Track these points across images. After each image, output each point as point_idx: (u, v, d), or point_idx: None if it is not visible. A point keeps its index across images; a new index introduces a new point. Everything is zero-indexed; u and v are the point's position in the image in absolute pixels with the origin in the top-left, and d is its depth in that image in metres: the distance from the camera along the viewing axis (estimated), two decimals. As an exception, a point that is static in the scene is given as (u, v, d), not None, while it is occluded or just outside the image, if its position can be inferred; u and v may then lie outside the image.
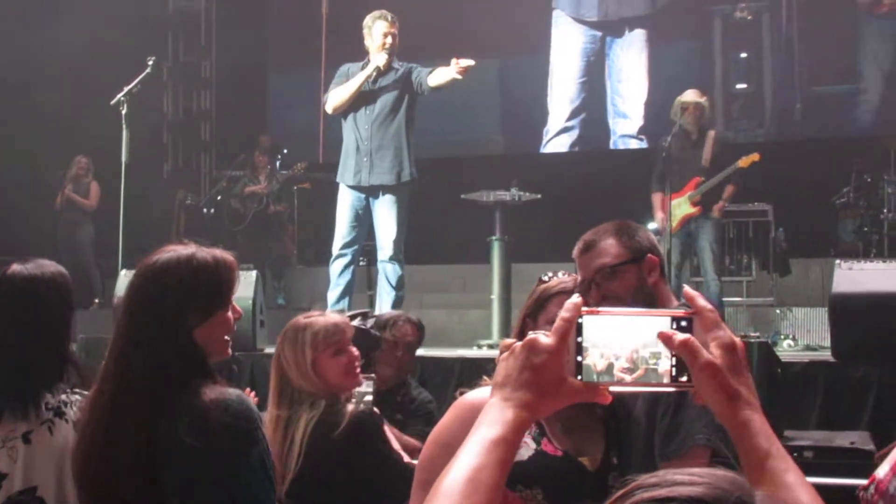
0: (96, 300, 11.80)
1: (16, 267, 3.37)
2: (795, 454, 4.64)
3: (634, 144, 12.86)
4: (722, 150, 9.69)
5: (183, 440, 2.65)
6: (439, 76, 8.24)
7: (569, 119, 13.43)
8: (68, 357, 3.36)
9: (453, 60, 8.07)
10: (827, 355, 6.76)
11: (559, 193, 10.01)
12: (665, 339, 1.58)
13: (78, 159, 12.58)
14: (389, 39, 8.40)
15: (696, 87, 10.32)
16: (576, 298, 1.64)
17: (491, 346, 8.73)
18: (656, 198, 9.66)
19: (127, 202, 8.87)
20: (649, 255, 3.20)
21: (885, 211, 10.74)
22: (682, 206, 9.37)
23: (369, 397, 4.30)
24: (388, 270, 8.43)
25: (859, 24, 12.65)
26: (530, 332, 1.65)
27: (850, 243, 10.98)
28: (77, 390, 3.26)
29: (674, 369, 1.60)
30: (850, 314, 6.45)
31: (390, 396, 5.43)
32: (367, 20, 8.55)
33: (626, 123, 13.18)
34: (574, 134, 13.44)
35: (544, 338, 1.60)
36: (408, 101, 8.47)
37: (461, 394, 3.20)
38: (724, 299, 9.52)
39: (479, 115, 13.46)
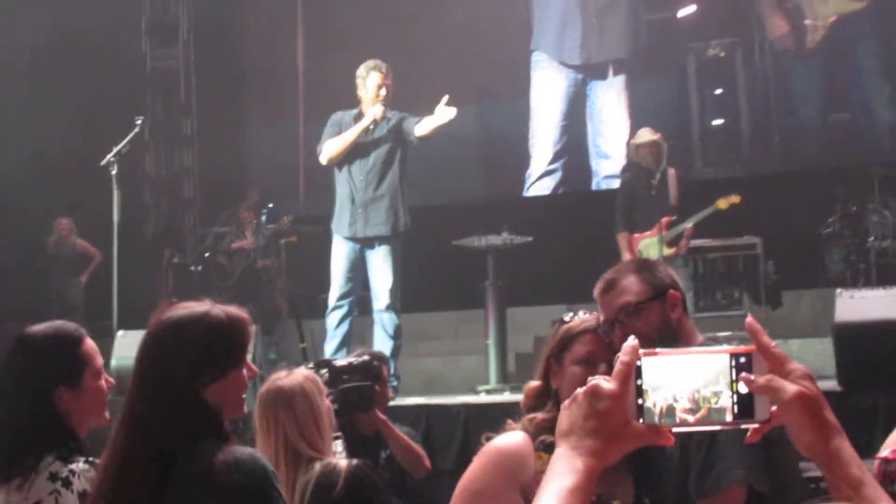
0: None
1: (30, 330, 3.32)
2: (812, 486, 4.65)
3: (617, 184, 12.91)
4: (686, 188, 9.74)
5: (195, 500, 2.64)
6: (425, 126, 8.34)
7: (551, 162, 13.49)
8: (65, 425, 3.26)
9: (441, 104, 8.17)
10: (832, 384, 6.76)
11: (545, 236, 10.04)
12: (747, 382, 1.58)
13: (58, 222, 12.60)
14: (383, 91, 8.46)
15: (673, 124, 10.42)
16: (633, 341, 1.64)
17: (490, 392, 8.74)
18: (622, 238, 9.69)
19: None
20: (671, 291, 3.24)
21: (870, 239, 10.78)
22: (654, 246, 9.36)
23: (343, 454, 4.23)
24: (384, 320, 8.48)
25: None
26: (590, 378, 1.64)
27: (838, 273, 11.01)
28: (90, 459, 3.18)
29: (735, 406, 1.60)
30: (854, 342, 6.48)
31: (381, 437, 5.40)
32: (361, 70, 8.60)
33: (609, 164, 13.24)
34: (557, 176, 13.49)
35: (606, 383, 1.60)
36: (401, 151, 8.58)
37: (487, 439, 3.19)
38: (718, 334, 9.53)
39: (459, 161, 13.50)
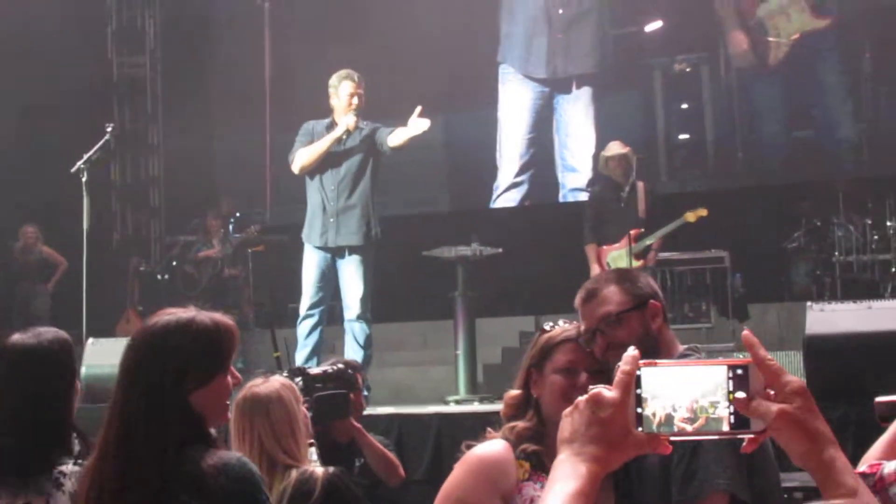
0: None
1: (16, 337, 3.32)
2: (786, 496, 4.69)
3: (584, 197, 12.93)
4: (654, 201, 9.82)
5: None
6: (398, 137, 8.35)
7: (518, 174, 13.50)
8: (72, 426, 3.31)
9: (414, 115, 8.19)
10: None
11: (513, 248, 10.08)
12: (737, 404, 1.62)
13: (25, 229, 12.53)
14: (356, 100, 8.46)
15: (639, 138, 10.50)
16: (633, 351, 1.67)
17: (459, 402, 8.77)
18: (590, 249, 9.79)
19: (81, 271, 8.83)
20: (651, 301, 3.24)
21: (836, 254, 10.94)
22: (622, 258, 9.43)
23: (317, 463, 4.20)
24: (355, 330, 8.48)
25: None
26: (591, 387, 1.67)
27: (804, 287, 11.12)
28: (79, 461, 3.20)
29: (732, 417, 1.63)
30: (825, 355, 6.53)
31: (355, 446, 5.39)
32: (333, 79, 8.59)
33: (576, 177, 13.27)
34: (523, 189, 13.50)
35: (607, 392, 1.63)
36: (373, 162, 8.58)
37: (468, 447, 3.21)
38: (698, 345, 9.59)
39: (426, 172, 13.53)
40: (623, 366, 1.65)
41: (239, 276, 12.69)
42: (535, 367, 3.24)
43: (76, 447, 3.30)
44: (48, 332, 3.39)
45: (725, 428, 1.63)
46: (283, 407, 3.90)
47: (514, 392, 3.28)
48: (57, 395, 3.30)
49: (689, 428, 1.63)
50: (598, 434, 1.62)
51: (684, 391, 1.64)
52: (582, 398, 1.66)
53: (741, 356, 1.71)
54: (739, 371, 1.64)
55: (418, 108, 8.24)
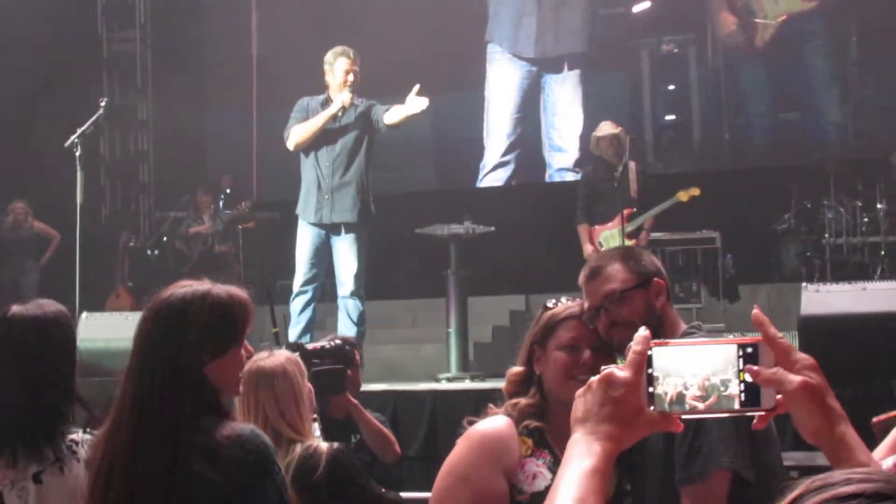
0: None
1: (17, 308, 3.35)
2: (794, 474, 4.73)
3: (571, 177, 12.99)
4: (646, 181, 9.87)
5: (200, 476, 2.70)
6: (395, 114, 8.34)
7: (505, 154, 13.53)
8: (77, 396, 3.33)
9: (412, 93, 8.20)
10: None
11: (502, 227, 10.12)
12: (752, 374, 1.66)
13: (14, 205, 12.48)
14: (351, 77, 8.44)
15: (627, 118, 10.51)
16: (644, 331, 1.70)
17: (450, 380, 8.81)
18: (582, 229, 9.81)
19: (73, 245, 8.82)
20: (656, 279, 3.25)
21: (826, 236, 10.97)
22: (614, 238, 9.46)
23: (319, 438, 4.21)
24: (349, 306, 8.48)
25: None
26: (603, 367, 1.70)
27: (794, 268, 11.15)
28: (88, 430, 3.24)
29: (743, 395, 1.67)
30: (819, 336, 6.50)
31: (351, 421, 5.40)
32: (329, 56, 8.57)
33: (563, 157, 13.32)
34: (510, 168, 13.54)
35: (620, 371, 1.66)
36: (368, 139, 8.57)
37: (470, 423, 3.22)
38: (702, 324, 9.62)
39: (413, 150, 13.54)
40: (635, 346, 1.68)
41: (229, 252, 12.70)
42: (538, 344, 3.25)
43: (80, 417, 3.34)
44: (50, 304, 3.41)
45: (736, 406, 1.67)
46: (288, 381, 3.90)
47: (517, 368, 3.28)
48: (62, 365, 3.31)
49: (700, 406, 1.67)
50: (612, 413, 1.65)
51: (695, 370, 1.67)
52: (594, 378, 1.68)
53: (738, 335, 1.75)
54: (749, 349, 1.68)
55: (416, 87, 8.23)
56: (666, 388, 1.68)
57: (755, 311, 1.75)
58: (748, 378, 1.67)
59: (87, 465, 2.99)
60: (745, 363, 1.67)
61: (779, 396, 1.67)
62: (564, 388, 3.10)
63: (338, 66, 8.48)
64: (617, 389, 1.66)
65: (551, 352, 3.21)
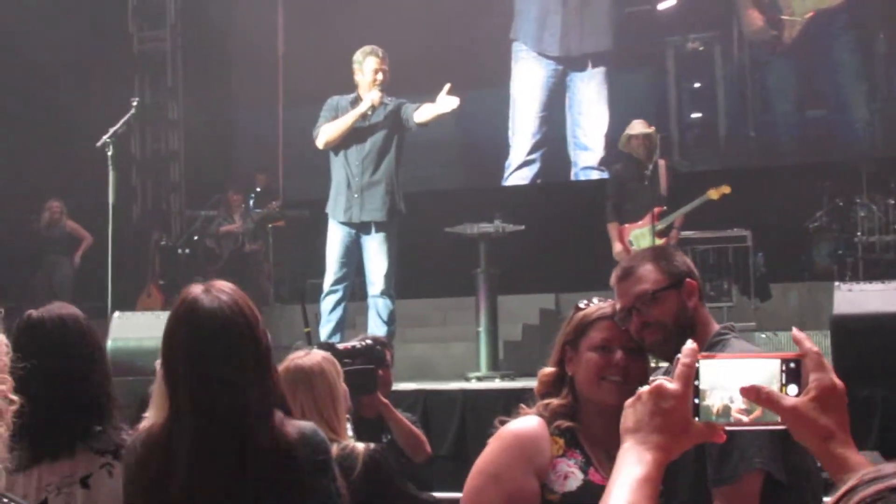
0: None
1: (35, 312, 3.34)
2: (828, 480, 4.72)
3: (596, 175, 13.00)
4: (675, 179, 9.86)
5: (272, 480, 2.73)
6: (425, 113, 8.38)
7: (530, 152, 13.56)
8: (111, 396, 3.34)
9: (443, 92, 8.24)
10: None
11: (530, 226, 10.15)
12: (746, 392, 1.71)
13: (50, 204, 12.60)
14: (380, 76, 8.47)
15: (652, 117, 10.49)
16: (691, 344, 1.76)
17: (480, 379, 8.80)
18: (612, 228, 9.80)
19: (105, 244, 8.90)
20: (688, 279, 3.24)
21: (858, 234, 10.91)
22: (645, 237, 9.45)
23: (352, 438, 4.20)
24: (379, 305, 8.51)
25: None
26: (653, 379, 1.76)
27: (826, 266, 11.11)
28: (130, 431, 3.22)
29: None
30: (852, 335, 6.47)
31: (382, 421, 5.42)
32: (358, 55, 8.60)
33: (588, 155, 13.34)
34: (535, 167, 13.56)
35: (669, 384, 1.73)
36: (398, 138, 8.59)
37: (501, 423, 3.22)
38: (735, 324, 9.55)
39: (438, 149, 13.58)
40: (683, 358, 1.74)
41: (259, 251, 12.76)
42: (569, 345, 3.24)
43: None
44: (70, 307, 3.43)
45: (779, 419, 1.72)
46: (326, 380, 3.91)
47: (549, 369, 3.29)
48: (91, 365, 3.32)
49: (745, 419, 1.73)
50: (661, 424, 1.71)
51: (741, 383, 1.72)
52: (644, 389, 1.75)
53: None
54: (792, 365, 1.74)
55: (447, 86, 8.25)
56: (712, 400, 1.74)
57: (794, 331, 1.82)
58: (791, 392, 1.73)
59: (132, 465, 2.91)
60: (787, 378, 1.73)
61: None
62: (596, 390, 3.15)
63: (367, 66, 8.49)
64: (667, 401, 1.72)
65: (583, 353, 3.20)
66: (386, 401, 5.38)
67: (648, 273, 3.23)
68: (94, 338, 3.40)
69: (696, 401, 1.73)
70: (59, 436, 3.19)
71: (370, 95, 8.44)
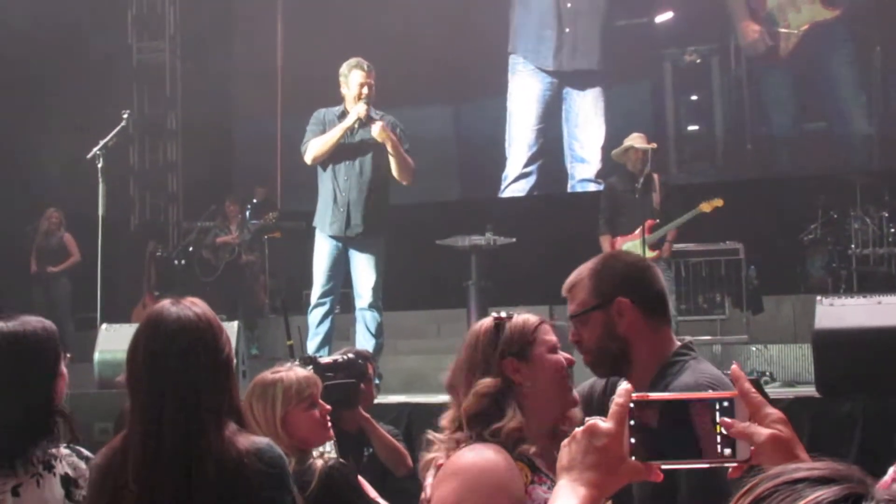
0: (69, 355, 11.72)
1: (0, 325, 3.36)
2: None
3: (593, 188, 13.00)
4: (669, 194, 9.86)
5: (220, 488, 2.75)
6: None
7: (527, 164, 13.60)
8: (57, 411, 3.32)
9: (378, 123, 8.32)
10: (811, 391, 6.77)
11: (524, 238, 10.16)
12: (726, 426, 1.77)
13: (49, 213, 12.63)
14: (366, 89, 8.41)
15: (649, 128, 10.49)
16: (625, 384, 1.81)
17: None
18: (604, 240, 9.79)
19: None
20: (620, 298, 3.07)
21: (852, 246, 10.92)
22: (636, 249, 9.36)
23: (332, 452, 4.21)
24: (367, 318, 8.49)
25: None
26: (587, 419, 1.80)
27: (820, 279, 11.11)
28: (71, 445, 3.27)
29: (719, 446, 1.78)
30: (834, 350, 6.48)
31: (364, 436, 5.41)
32: (344, 68, 8.55)
33: (585, 168, 13.37)
34: (532, 179, 13.61)
35: (603, 423, 1.78)
36: (384, 151, 8.49)
37: (428, 444, 2.94)
38: (698, 338, 9.60)
39: (436, 161, 13.61)
40: (617, 398, 1.79)
41: (256, 262, 12.77)
42: (514, 355, 2.92)
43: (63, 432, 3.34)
44: (35, 321, 3.41)
45: (713, 457, 1.78)
46: (300, 395, 3.89)
47: (489, 380, 2.88)
48: (39, 382, 3.31)
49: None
50: (595, 462, 1.76)
51: (676, 422, 1.78)
52: (579, 429, 1.80)
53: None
54: (726, 403, 1.79)
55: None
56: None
57: (734, 367, 1.87)
58: (724, 430, 1.78)
59: (95, 481, 2.98)
60: (721, 416, 1.78)
61: (752, 448, 1.77)
62: (566, 392, 2.98)
63: (352, 79, 8.45)
64: (600, 440, 1.77)
65: (540, 358, 2.94)
66: (367, 415, 5.36)
67: (580, 292, 3.12)
68: (42, 353, 3.35)
69: (632, 440, 1.77)
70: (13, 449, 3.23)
71: (356, 109, 8.39)
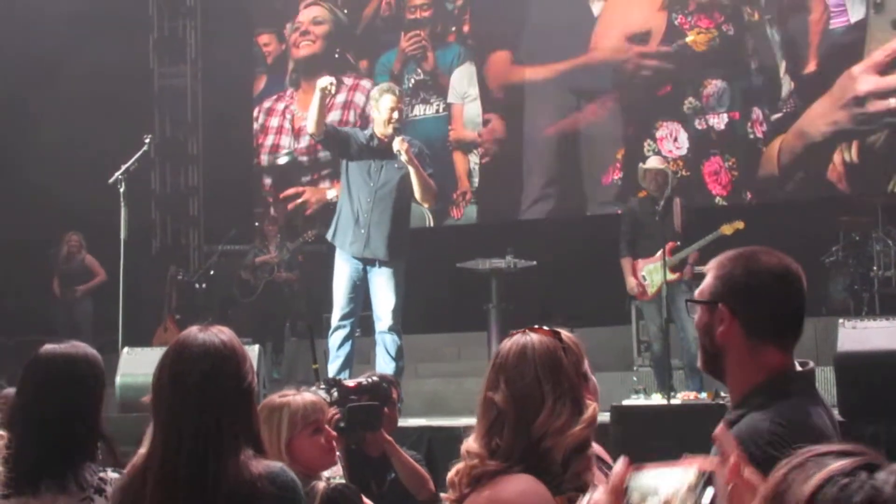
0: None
1: (51, 346, 3.46)
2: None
3: (611, 211, 12.95)
4: (690, 216, 9.83)
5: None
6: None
7: (546, 187, 13.59)
8: (103, 434, 3.42)
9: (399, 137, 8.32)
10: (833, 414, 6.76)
11: (543, 261, 10.13)
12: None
13: (69, 237, 12.70)
14: (396, 114, 8.45)
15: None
16: (622, 461, 1.94)
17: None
18: (626, 263, 9.74)
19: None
20: (722, 304, 2.92)
21: (874, 268, 10.84)
22: (657, 271, 9.42)
23: (340, 478, 4.12)
24: (386, 341, 8.49)
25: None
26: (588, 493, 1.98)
27: (842, 301, 11.02)
28: (116, 469, 3.31)
29: None
30: (856, 372, 6.48)
31: (387, 459, 5.38)
32: (375, 92, 8.68)
33: (604, 190, 13.34)
34: (550, 202, 13.57)
35: (600, 497, 1.94)
36: (406, 174, 8.49)
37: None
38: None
39: (455, 182, 13.64)
40: (615, 470, 1.93)
41: (294, 280, 12.75)
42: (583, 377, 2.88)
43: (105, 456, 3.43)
44: (83, 346, 3.54)
45: None
46: (306, 420, 3.92)
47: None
48: (90, 403, 3.42)
49: None
50: None
51: (668, 488, 1.88)
52: (580, 502, 1.98)
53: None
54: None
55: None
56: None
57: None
58: (708, 493, 1.88)
59: (116, 500, 3.01)
60: (706, 483, 1.89)
61: None
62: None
63: (383, 103, 8.47)
64: None
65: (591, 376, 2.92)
66: (390, 438, 5.33)
67: (706, 277, 3.02)
68: (91, 377, 3.45)
69: None
70: (42, 470, 3.27)
71: (396, 141, 8.33)
